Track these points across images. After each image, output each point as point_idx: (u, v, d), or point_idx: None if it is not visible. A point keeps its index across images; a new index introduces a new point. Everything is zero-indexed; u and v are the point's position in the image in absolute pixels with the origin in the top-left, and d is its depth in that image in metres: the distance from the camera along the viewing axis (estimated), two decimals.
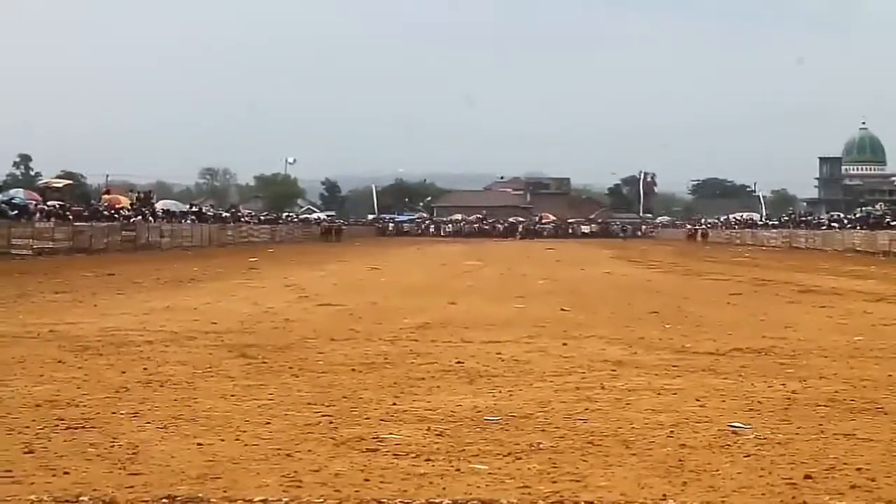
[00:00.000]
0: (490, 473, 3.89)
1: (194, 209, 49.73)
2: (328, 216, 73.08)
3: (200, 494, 3.56)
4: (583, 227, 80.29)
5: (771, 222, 63.30)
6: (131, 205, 39.71)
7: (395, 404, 5.32)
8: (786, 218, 61.71)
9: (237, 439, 4.45)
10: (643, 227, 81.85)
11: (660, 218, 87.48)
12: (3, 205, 30.33)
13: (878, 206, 56.24)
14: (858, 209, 58.71)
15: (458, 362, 6.88)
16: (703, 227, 68.93)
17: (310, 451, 4.23)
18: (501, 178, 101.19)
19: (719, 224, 70.97)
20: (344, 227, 65.08)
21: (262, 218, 57.12)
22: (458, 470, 3.94)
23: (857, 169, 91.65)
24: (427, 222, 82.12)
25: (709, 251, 42.14)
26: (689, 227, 70.80)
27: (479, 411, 5.12)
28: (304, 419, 4.90)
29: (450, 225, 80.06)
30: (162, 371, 6.43)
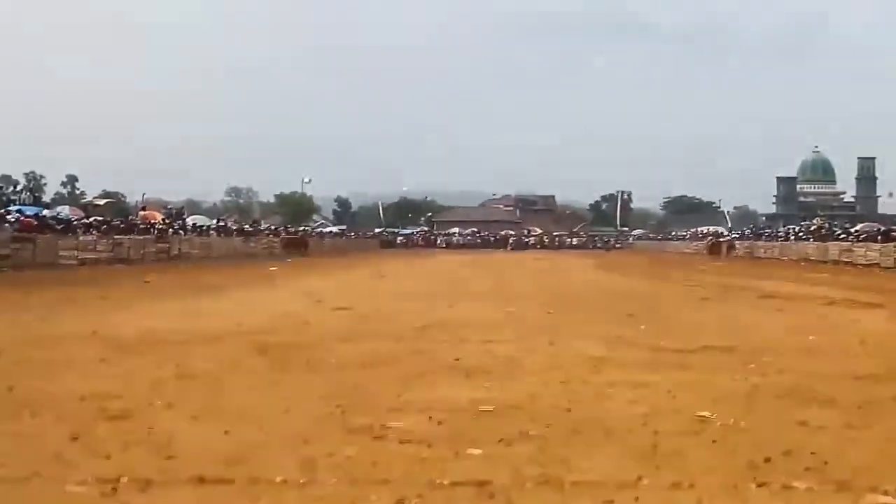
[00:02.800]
0: (484, 458, 3.90)
1: (221, 224, 49.76)
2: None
3: (227, 476, 3.57)
4: (567, 239, 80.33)
5: (734, 235, 63.35)
6: (164, 220, 39.77)
7: (400, 396, 5.33)
8: (748, 231, 61.85)
9: (260, 427, 4.46)
10: (621, 239, 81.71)
11: (635, 231, 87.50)
12: (51, 220, 30.40)
13: (815, 221, 56.36)
14: (803, 222, 58.88)
15: (456, 359, 6.88)
16: (729, 238, 54.96)
17: (323, 437, 4.24)
18: (494, 195, 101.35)
19: (688, 236, 70.62)
20: (310, 238, 54.94)
21: (279, 230, 57.07)
22: (457, 454, 3.95)
23: (811, 187, 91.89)
24: (429, 235, 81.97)
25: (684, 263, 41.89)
26: (710, 238, 55.01)
27: (474, 403, 5.12)
28: (319, 410, 4.91)
29: (448, 238, 79.99)
30: (193, 368, 6.44)
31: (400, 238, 78.81)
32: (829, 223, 50.43)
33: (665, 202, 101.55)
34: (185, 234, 38.90)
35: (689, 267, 33.06)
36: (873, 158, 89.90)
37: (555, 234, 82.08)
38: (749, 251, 49.46)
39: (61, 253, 26.35)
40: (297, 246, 46.17)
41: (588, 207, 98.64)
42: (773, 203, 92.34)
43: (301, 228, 61.61)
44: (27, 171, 66.47)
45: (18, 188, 59.81)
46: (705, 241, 53.97)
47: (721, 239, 51.00)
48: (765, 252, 47.71)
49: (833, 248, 39.29)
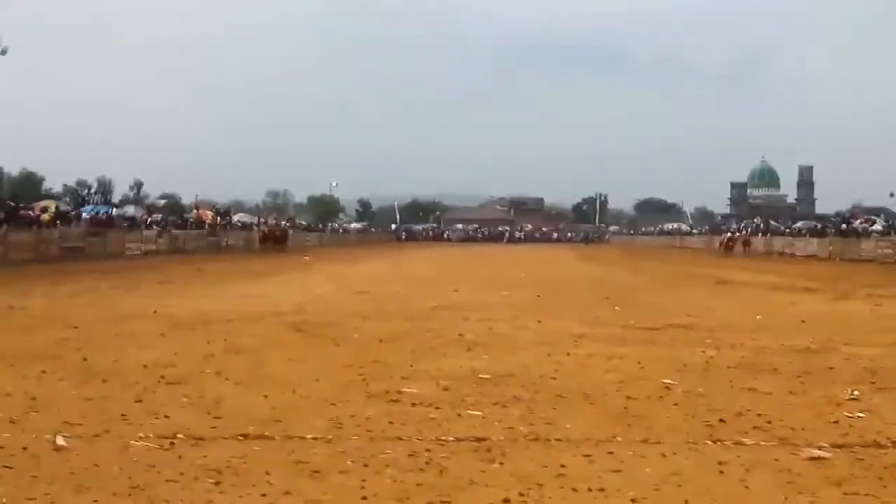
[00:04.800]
0: (483, 418, 3.91)
1: (262, 220, 49.84)
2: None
3: (266, 433, 3.58)
4: (553, 234, 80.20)
5: (695, 231, 63.16)
6: (214, 217, 39.77)
7: (412, 366, 5.35)
8: (706, 228, 61.68)
9: (294, 392, 4.47)
10: (599, 234, 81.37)
11: (611, 227, 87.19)
12: (120, 218, 30.47)
13: (756, 220, 55.98)
14: (743, 221, 58.42)
15: (460, 335, 6.89)
16: (745, 233, 40.39)
17: (348, 401, 4.25)
18: (492, 197, 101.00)
19: (655, 231, 70.23)
20: (290, 231, 41.31)
21: (310, 227, 57.07)
22: (459, 415, 3.96)
23: (759, 192, 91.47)
24: (438, 231, 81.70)
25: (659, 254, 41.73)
26: (727, 233, 38.95)
27: (475, 372, 5.14)
28: (344, 377, 4.93)
29: (453, 233, 79.83)
30: (238, 342, 6.46)
31: (419, 234, 78.63)
32: (767, 221, 49.95)
33: (636, 203, 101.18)
34: (231, 230, 38.91)
35: (660, 258, 32.98)
36: (811, 167, 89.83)
37: (543, 230, 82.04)
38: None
39: (127, 245, 26.38)
40: (276, 240, 35.79)
41: (571, 208, 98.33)
42: (728, 205, 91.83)
43: (283, 222, 47.02)
44: (99, 175, 66.71)
45: (92, 191, 59.90)
46: (721, 237, 38.61)
47: (737, 234, 37.39)
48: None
49: (777, 243, 39.10)
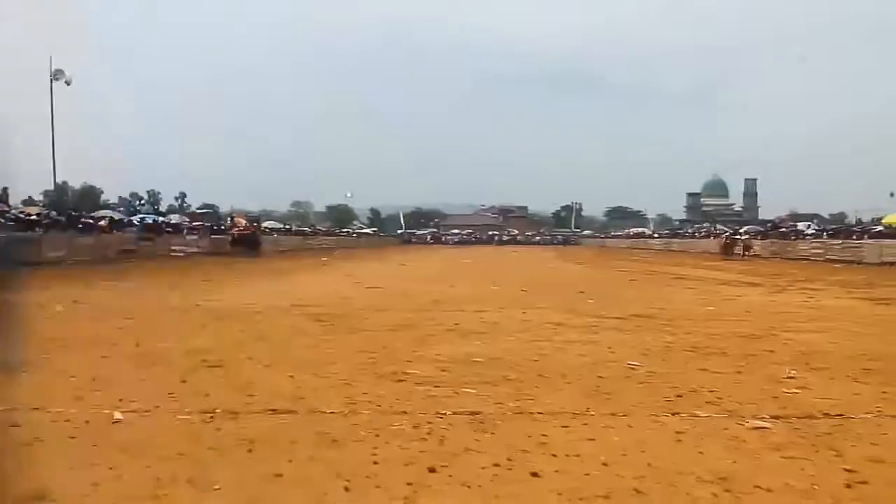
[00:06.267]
0: (476, 395, 3.91)
1: (287, 227, 49.81)
2: (245, 216, 35.33)
3: (292, 409, 3.58)
4: (535, 237, 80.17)
5: (656, 235, 63.24)
6: (247, 224, 39.65)
7: (415, 351, 5.34)
8: (666, 232, 61.74)
9: (315, 374, 4.47)
10: (575, 238, 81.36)
11: (585, 232, 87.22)
12: (166, 224, 30.43)
13: (705, 225, 56.07)
14: (695, 225, 58.46)
15: (456, 324, 6.89)
16: (747, 236, 34.33)
17: (361, 381, 4.25)
18: (483, 206, 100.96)
19: (623, 235, 70.20)
20: (263, 235, 31.93)
21: (328, 232, 57.04)
22: (456, 393, 3.96)
23: (711, 201, 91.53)
24: (437, 235, 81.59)
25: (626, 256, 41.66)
26: (725, 236, 33.80)
27: (469, 356, 5.14)
28: (357, 361, 4.92)
29: (450, 237, 79.77)
30: (266, 331, 6.46)
31: (420, 237, 78.55)
32: (716, 227, 49.74)
33: (607, 210, 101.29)
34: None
35: (625, 257, 32.99)
36: (755, 179, 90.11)
37: (527, 233, 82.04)
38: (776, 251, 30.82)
39: (172, 248, 26.34)
40: (249, 245, 26.57)
41: (551, 214, 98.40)
42: (684, 212, 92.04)
43: (254, 223, 34.77)
44: (149, 189, 66.76)
45: (142, 201, 59.93)
46: (720, 240, 33.24)
47: (736, 237, 32.34)
48: (678, 246, 46.86)
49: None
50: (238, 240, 26.48)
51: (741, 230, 41.61)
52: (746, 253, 30.58)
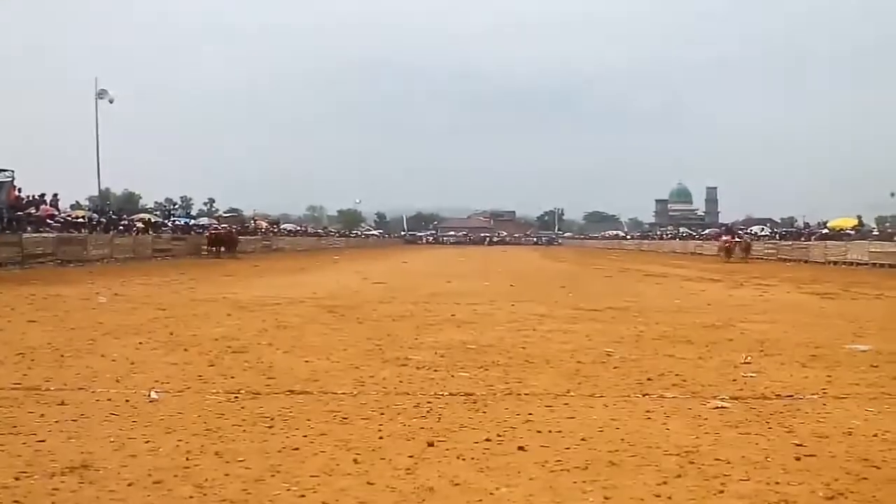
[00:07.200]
0: (470, 378, 3.91)
1: (302, 228, 49.74)
2: (227, 215, 34.44)
3: (307, 390, 3.58)
4: (522, 238, 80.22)
5: (629, 236, 63.32)
6: (268, 226, 39.62)
7: (416, 339, 5.34)
8: (638, 234, 61.84)
9: (327, 359, 4.46)
10: (557, 239, 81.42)
11: (566, 233, 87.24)
12: (197, 226, 30.33)
13: (669, 228, 56.10)
14: (661, 228, 58.42)
15: (452, 315, 6.90)
16: (747, 238, 29.32)
17: (368, 365, 4.24)
18: (476, 210, 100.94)
19: (599, 236, 70.18)
20: (239, 237, 26.88)
21: (339, 233, 56.91)
22: (452, 376, 3.96)
23: (676, 206, 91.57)
24: (436, 236, 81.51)
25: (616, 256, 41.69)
26: (724, 237, 27.93)
27: (464, 343, 5.14)
28: (365, 347, 4.92)
29: (447, 238, 79.77)
30: (285, 320, 6.45)
31: (421, 238, 78.45)
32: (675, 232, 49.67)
33: (585, 214, 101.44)
34: (280, 235, 38.77)
35: (602, 256, 33.03)
36: (716, 187, 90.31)
37: (515, 235, 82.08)
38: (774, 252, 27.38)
39: (202, 247, 26.24)
40: (226, 245, 24.17)
41: (536, 218, 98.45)
42: (653, 216, 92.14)
43: (229, 224, 30.45)
44: (182, 194, 66.75)
45: (176, 206, 59.82)
46: (719, 242, 28.06)
47: (736, 239, 27.20)
48: (648, 247, 47.16)
49: (690, 245, 39.27)
50: (213, 240, 24.65)
51: (704, 233, 41.67)
52: (745, 255, 25.57)
